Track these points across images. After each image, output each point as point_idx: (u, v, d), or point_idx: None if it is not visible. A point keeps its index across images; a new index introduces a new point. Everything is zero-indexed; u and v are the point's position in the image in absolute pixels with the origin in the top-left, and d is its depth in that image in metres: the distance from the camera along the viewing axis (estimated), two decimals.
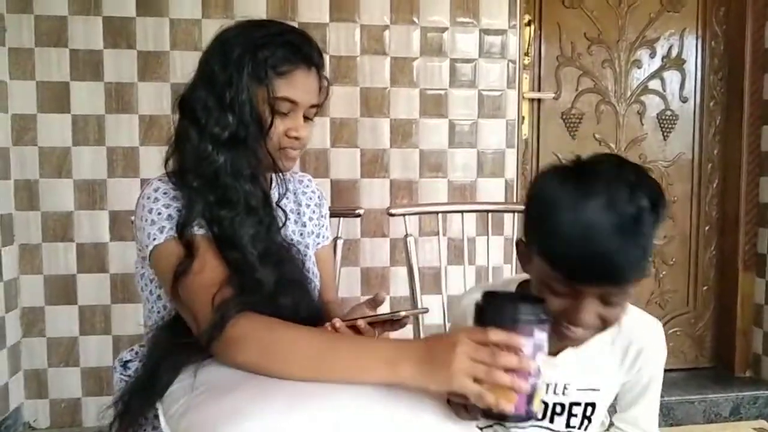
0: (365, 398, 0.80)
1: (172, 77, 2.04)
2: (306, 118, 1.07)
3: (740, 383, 2.53)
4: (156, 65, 2.03)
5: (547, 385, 1.00)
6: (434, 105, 2.21)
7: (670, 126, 2.59)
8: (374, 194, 2.18)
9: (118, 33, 2.01)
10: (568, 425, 1.04)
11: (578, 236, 0.80)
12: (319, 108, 1.10)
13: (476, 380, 0.75)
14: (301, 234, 1.20)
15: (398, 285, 2.20)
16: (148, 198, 1.02)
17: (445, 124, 2.22)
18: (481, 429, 0.97)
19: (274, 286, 0.97)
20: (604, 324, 0.87)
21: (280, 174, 1.16)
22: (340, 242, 1.57)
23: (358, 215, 1.63)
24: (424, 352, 0.79)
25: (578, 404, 1.03)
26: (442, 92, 2.21)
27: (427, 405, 0.83)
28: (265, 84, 1.00)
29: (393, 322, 0.99)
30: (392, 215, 1.64)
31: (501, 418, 0.80)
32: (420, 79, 2.19)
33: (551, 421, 1.06)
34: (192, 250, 0.94)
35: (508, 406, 0.77)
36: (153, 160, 2.04)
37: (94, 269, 2.05)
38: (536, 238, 0.88)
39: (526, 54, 2.42)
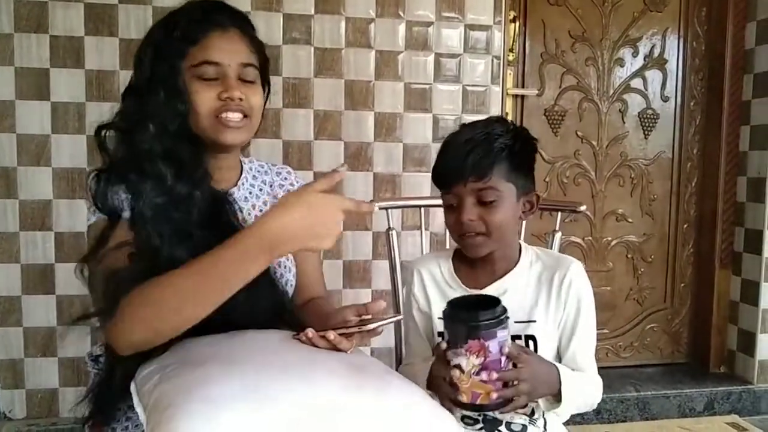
0: (335, 377, 0.83)
1: None
2: (247, 82, 1.06)
3: (714, 379, 2.58)
4: None
5: None
6: (419, 99, 2.21)
7: (651, 125, 2.62)
8: (357, 187, 2.18)
9: (100, 20, 1.98)
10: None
11: (445, 151, 1.10)
12: (262, 70, 1.10)
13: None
14: None
15: (380, 278, 2.21)
16: (92, 178, 1.04)
17: (429, 118, 2.23)
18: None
19: None
20: (488, 226, 1.06)
21: (244, 163, 1.16)
22: None
23: None
24: (304, 230, 0.84)
25: (519, 337, 1.10)
26: (427, 87, 2.21)
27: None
28: (181, 56, 1.01)
29: (365, 332, 0.97)
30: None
31: (480, 409, 0.96)
32: (405, 73, 2.19)
33: None
34: (112, 223, 0.98)
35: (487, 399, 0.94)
36: None
37: (73, 259, 2.01)
38: (432, 175, 1.13)
39: (511, 50, 2.43)
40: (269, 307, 1.03)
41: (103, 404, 1.00)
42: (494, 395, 0.93)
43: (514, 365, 0.98)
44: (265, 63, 1.12)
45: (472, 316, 0.94)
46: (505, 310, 0.97)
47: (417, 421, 0.85)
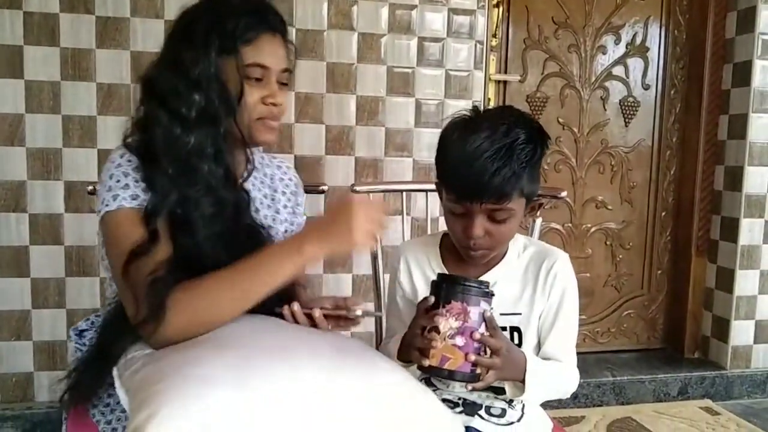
0: (319, 360, 0.86)
1: (132, 45, 1.97)
2: (281, 84, 1.08)
3: (689, 364, 2.63)
4: (115, 32, 1.96)
5: None
6: (401, 83, 2.19)
7: (631, 112, 2.64)
8: (339, 171, 2.16)
9: None
10: None
11: (463, 162, 0.99)
12: (291, 73, 1.11)
13: None
14: (274, 219, 1.20)
15: (361, 264, 2.20)
16: (112, 162, 1.01)
17: (412, 103, 2.21)
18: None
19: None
20: (494, 240, 1.04)
21: (251, 153, 1.14)
22: (303, 219, 1.55)
23: (323, 191, 1.62)
24: (323, 225, 0.96)
25: (504, 329, 1.08)
26: (410, 71, 2.20)
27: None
28: (233, 54, 1.01)
29: (348, 318, 1.04)
30: (356, 192, 1.63)
31: (450, 376, 0.95)
32: (387, 57, 2.17)
33: None
34: (155, 236, 0.94)
35: (456, 365, 0.92)
36: (111, 130, 1.98)
37: (48, 241, 1.99)
38: (438, 170, 1.08)
39: (494, 35, 2.42)
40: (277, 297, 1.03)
41: (88, 381, 0.99)
42: (462, 363, 0.93)
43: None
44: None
45: (461, 278, 0.98)
46: (492, 291, 0.98)
47: (401, 399, 0.88)
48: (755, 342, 2.57)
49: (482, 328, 0.95)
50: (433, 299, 0.97)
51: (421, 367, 0.96)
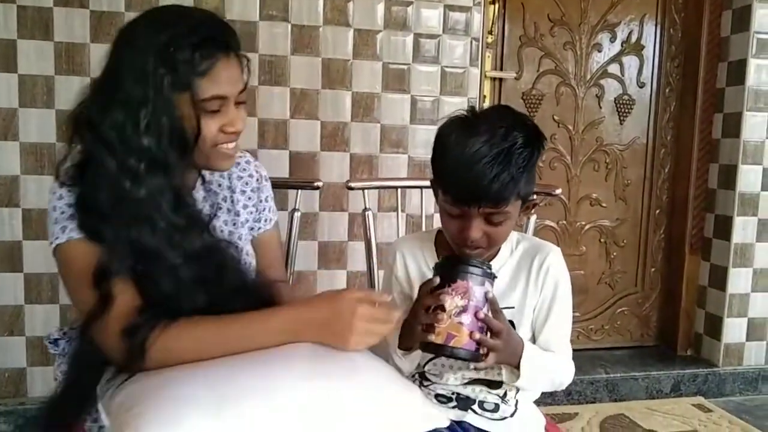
0: (297, 370, 0.86)
1: None
2: (238, 104, 1.00)
3: (682, 361, 2.64)
4: (110, 26, 1.95)
5: None
6: (397, 80, 2.19)
7: (626, 110, 2.64)
8: (334, 168, 2.16)
9: None
10: None
11: (461, 166, 0.98)
12: (246, 89, 1.03)
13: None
14: (234, 224, 1.14)
15: (356, 260, 2.20)
16: (53, 194, 0.98)
17: (407, 99, 2.21)
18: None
19: (218, 300, 0.95)
20: (491, 241, 1.05)
21: (214, 193, 1.10)
22: (297, 215, 1.55)
23: (317, 187, 1.62)
24: (324, 321, 0.92)
25: None
26: (405, 67, 2.20)
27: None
28: (188, 90, 0.92)
29: None
30: (351, 188, 1.63)
31: (453, 354, 0.96)
32: (383, 53, 2.17)
33: None
34: (108, 299, 0.89)
35: (460, 343, 0.94)
36: None
37: (42, 236, 1.98)
38: (435, 171, 1.07)
39: (490, 32, 2.41)
40: (235, 291, 1.01)
41: (68, 411, 0.98)
42: (466, 341, 0.95)
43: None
44: None
45: (466, 258, 1.01)
46: (495, 274, 1.01)
47: (384, 397, 0.89)
48: (747, 339, 2.59)
49: (485, 309, 0.97)
50: (438, 280, 0.99)
51: (424, 345, 0.97)
